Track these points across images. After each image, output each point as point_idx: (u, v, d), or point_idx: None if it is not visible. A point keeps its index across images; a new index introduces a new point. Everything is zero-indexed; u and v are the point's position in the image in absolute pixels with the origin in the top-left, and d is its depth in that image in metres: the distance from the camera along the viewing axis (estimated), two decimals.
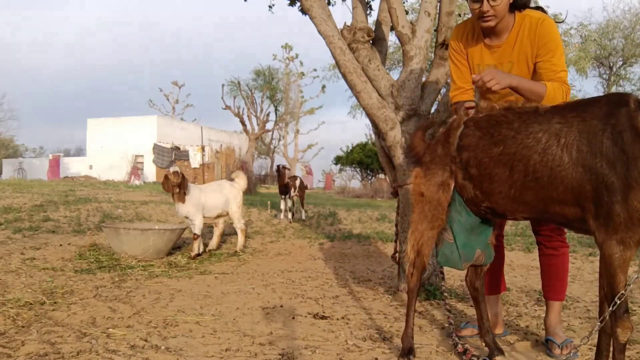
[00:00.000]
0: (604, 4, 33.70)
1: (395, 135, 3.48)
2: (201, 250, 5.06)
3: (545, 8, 2.39)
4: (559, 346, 2.30)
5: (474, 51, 2.39)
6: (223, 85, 19.60)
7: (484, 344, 2.30)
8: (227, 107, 18.87)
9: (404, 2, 4.07)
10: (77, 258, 4.47)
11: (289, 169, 9.07)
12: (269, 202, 9.31)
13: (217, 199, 5.19)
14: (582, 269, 4.58)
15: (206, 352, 2.24)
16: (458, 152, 2.04)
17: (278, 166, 8.91)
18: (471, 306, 3.24)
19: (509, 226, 7.29)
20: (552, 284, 2.46)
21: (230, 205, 5.30)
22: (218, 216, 5.31)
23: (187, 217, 4.97)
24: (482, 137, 1.97)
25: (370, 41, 3.66)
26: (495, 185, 1.92)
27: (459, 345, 2.25)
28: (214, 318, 2.80)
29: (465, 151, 2.01)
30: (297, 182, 8.76)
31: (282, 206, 8.30)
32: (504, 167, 1.88)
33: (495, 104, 2.06)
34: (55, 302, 2.98)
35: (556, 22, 2.58)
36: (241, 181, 5.61)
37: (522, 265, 4.79)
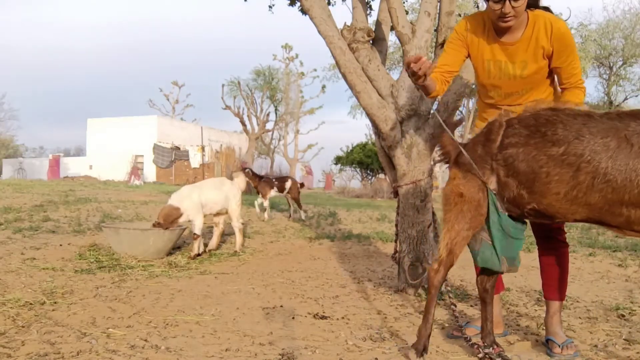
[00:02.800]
0: (604, 4, 33.82)
1: (395, 135, 3.48)
2: (201, 250, 5.06)
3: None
4: (559, 346, 2.30)
5: (484, 46, 2.37)
6: (223, 85, 19.65)
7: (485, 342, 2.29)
8: (227, 107, 18.89)
9: (404, 2, 4.06)
10: (77, 258, 4.47)
11: (248, 169, 8.95)
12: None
13: (216, 195, 5.19)
14: (582, 269, 4.58)
15: (206, 352, 2.24)
16: (500, 150, 2.04)
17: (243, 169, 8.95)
18: (471, 306, 3.24)
19: None
20: (552, 283, 2.46)
21: (230, 203, 5.30)
22: (218, 214, 5.31)
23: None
24: (531, 135, 1.98)
25: (370, 41, 3.66)
26: (552, 186, 1.92)
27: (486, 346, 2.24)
28: (214, 318, 2.80)
29: (511, 148, 2.01)
30: (288, 184, 8.59)
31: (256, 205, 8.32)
32: (567, 168, 1.88)
33: (538, 104, 2.08)
34: (55, 302, 2.98)
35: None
36: (241, 182, 5.62)
37: (522, 265, 4.78)
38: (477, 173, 2.08)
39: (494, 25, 2.30)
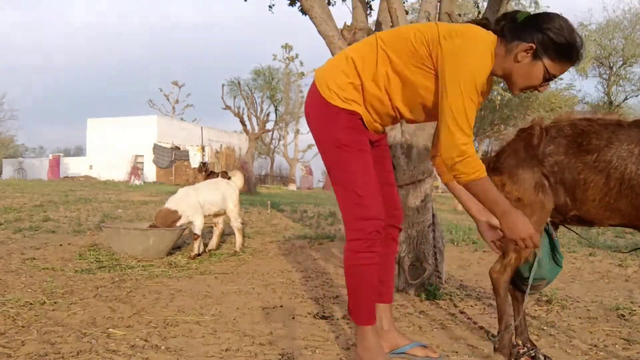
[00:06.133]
0: (604, 4, 33.93)
1: (396, 135, 3.48)
2: (201, 250, 5.06)
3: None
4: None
5: None
6: (223, 85, 19.63)
7: (521, 342, 2.27)
8: (227, 107, 18.88)
9: (404, 2, 4.07)
10: (77, 258, 4.47)
11: (203, 163, 8.54)
12: (268, 202, 9.32)
13: (213, 196, 5.18)
14: (582, 269, 4.58)
15: (206, 352, 2.24)
16: (544, 156, 2.08)
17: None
18: (471, 306, 3.24)
19: None
20: (388, 285, 2.25)
21: (227, 204, 5.30)
22: (217, 214, 5.31)
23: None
24: (569, 145, 2.05)
25: None
26: (589, 193, 1.99)
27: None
28: (214, 318, 2.80)
29: (554, 156, 2.06)
30: None
31: None
32: (600, 175, 1.96)
33: (572, 114, 2.14)
34: (55, 302, 2.98)
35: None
36: (238, 180, 5.60)
37: None
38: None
39: (510, 80, 1.88)
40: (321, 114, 1.98)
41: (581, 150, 2.01)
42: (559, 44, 1.74)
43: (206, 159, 25.10)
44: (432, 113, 1.95)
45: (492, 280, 2.18)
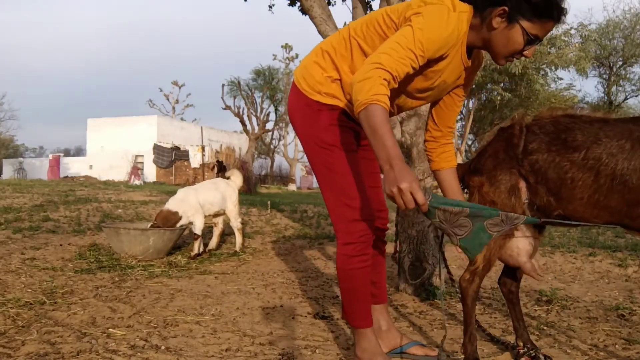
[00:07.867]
0: (604, 4, 33.96)
1: (395, 135, 3.48)
2: (201, 250, 5.06)
3: None
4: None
5: None
6: (223, 85, 19.59)
7: (521, 343, 2.27)
8: (227, 107, 18.87)
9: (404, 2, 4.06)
10: (77, 258, 4.47)
11: (220, 161, 8.36)
12: (268, 202, 9.31)
13: (213, 196, 5.19)
14: (582, 269, 4.57)
15: (206, 352, 2.24)
16: (525, 155, 2.03)
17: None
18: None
19: None
20: (381, 286, 2.25)
21: (227, 204, 5.30)
22: (216, 214, 5.31)
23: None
24: (552, 142, 2.00)
25: None
26: (577, 191, 1.94)
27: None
28: (214, 318, 2.80)
29: (536, 154, 2.02)
30: None
31: None
32: (589, 172, 1.91)
33: (553, 110, 2.08)
34: (55, 302, 2.98)
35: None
36: (237, 179, 5.61)
37: None
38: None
39: (491, 50, 1.81)
40: (303, 113, 1.92)
41: (567, 147, 1.96)
42: (533, 1, 1.65)
43: (206, 159, 25.08)
44: (410, 104, 1.97)
45: (460, 289, 2.15)
